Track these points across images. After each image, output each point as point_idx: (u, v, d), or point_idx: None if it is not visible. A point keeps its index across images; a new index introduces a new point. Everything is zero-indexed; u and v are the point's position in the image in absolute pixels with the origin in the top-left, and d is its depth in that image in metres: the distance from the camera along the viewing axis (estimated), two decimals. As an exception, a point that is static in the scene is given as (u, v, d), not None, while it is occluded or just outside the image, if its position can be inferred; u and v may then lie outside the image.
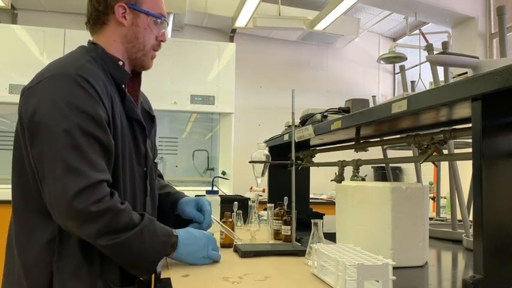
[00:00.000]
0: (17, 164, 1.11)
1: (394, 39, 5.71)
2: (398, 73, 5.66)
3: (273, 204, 1.71)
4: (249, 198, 1.98)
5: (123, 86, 1.20)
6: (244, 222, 1.90)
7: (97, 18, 1.20)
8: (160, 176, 1.55)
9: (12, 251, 1.12)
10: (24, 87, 1.09)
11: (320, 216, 2.08)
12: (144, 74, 1.32)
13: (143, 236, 1.05)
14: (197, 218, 1.35)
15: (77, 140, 1.00)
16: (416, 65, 5.04)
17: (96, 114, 1.04)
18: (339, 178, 1.84)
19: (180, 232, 1.17)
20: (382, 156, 2.07)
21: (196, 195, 2.03)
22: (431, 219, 2.12)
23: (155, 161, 1.38)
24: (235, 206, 1.88)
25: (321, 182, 3.11)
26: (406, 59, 4.38)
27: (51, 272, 1.05)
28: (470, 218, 1.29)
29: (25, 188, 1.09)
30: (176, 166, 4.48)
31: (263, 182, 1.76)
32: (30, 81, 1.09)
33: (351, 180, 1.69)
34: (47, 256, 1.05)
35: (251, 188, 4.22)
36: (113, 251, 1.04)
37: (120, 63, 1.20)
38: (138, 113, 1.22)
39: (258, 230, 1.68)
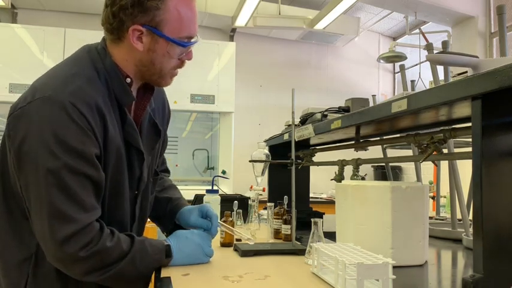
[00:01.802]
0: (3, 178, 1.06)
1: (394, 39, 5.70)
2: (398, 72, 5.66)
3: (273, 204, 1.71)
4: (249, 198, 1.98)
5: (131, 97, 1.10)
6: (244, 222, 1.90)
7: (111, 32, 1.06)
8: (166, 171, 1.48)
9: None
10: (15, 105, 1.00)
11: (320, 215, 2.08)
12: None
13: (135, 261, 1.03)
14: (205, 226, 1.26)
15: (64, 181, 0.94)
16: (416, 64, 5.04)
17: (86, 151, 0.96)
18: (339, 177, 1.84)
19: (171, 240, 1.16)
20: (382, 156, 2.08)
21: (196, 195, 2.01)
22: (431, 218, 2.12)
23: (156, 169, 1.31)
24: (235, 205, 1.88)
25: (321, 181, 3.12)
26: (406, 58, 4.38)
27: None
28: (470, 217, 1.29)
29: (10, 205, 1.05)
30: (176, 165, 4.48)
31: (263, 181, 1.76)
32: (21, 98, 1.00)
33: (351, 179, 1.69)
34: (19, 276, 1.03)
35: (251, 187, 4.23)
36: (104, 282, 1.02)
37: (128, 80, 1.09)
38: (137, 139, 1.11)
39: (258, 229, 1.68)
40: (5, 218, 1.06)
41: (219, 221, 1.30)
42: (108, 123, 1.02)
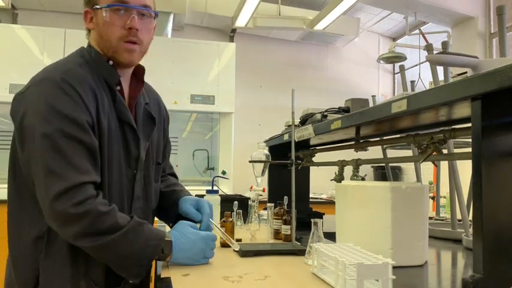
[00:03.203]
0: (13, 163, 1.14)
1: (394, 39, 5.71)
2: (398, 73, 5.66)
3: (273, 204, 1.71)
4: (249, 198, 1.98)
5: (118, 86, 1.20)
6: (244, 222, 1.90)
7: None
8: (174, 175, 1.52)
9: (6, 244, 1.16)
10: (17, 92, 1.12)
11: (320, 215, 2.08)
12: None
13: (127, 238, 1.04)
14: (192, 215, 1.28)
15: (58, 144, 1.02)
16: (416, 65, 5.04)
17: (77, 117, 1.05)
18: (339, 178, 1.84)
19: (174, 235, 1.16)
20: (382, 156, 2.08)
21: (196, 195, 2.02)
22: (431, 218, 2.12)
23: (159, 161, 1.34)
24: (235, 206, 1.88)
25: (320, 182, 3.11)
26: (405, 58, 4.38)
27: (37, 268, 1.08)
28: (470, 217, 1.29)
29: (19, 186, 1.13)
30: (176, 165, 4.47)
31: (263, 182, 1.77)
32: (24, 86, 1.12)
33: (351, 179, 1.69)
34: (34, 252, 1.08)
35: (251, 188, 4.23)
36: (95, 252, 1.05)
37: (111, 62, 1.18)
38: (128, 115, 1.19)
39: (258, 230, 1.68)
40: (17, 200, 1.14)
41: (212, 221, 1.29)
42: (99, 100, 1.12)
